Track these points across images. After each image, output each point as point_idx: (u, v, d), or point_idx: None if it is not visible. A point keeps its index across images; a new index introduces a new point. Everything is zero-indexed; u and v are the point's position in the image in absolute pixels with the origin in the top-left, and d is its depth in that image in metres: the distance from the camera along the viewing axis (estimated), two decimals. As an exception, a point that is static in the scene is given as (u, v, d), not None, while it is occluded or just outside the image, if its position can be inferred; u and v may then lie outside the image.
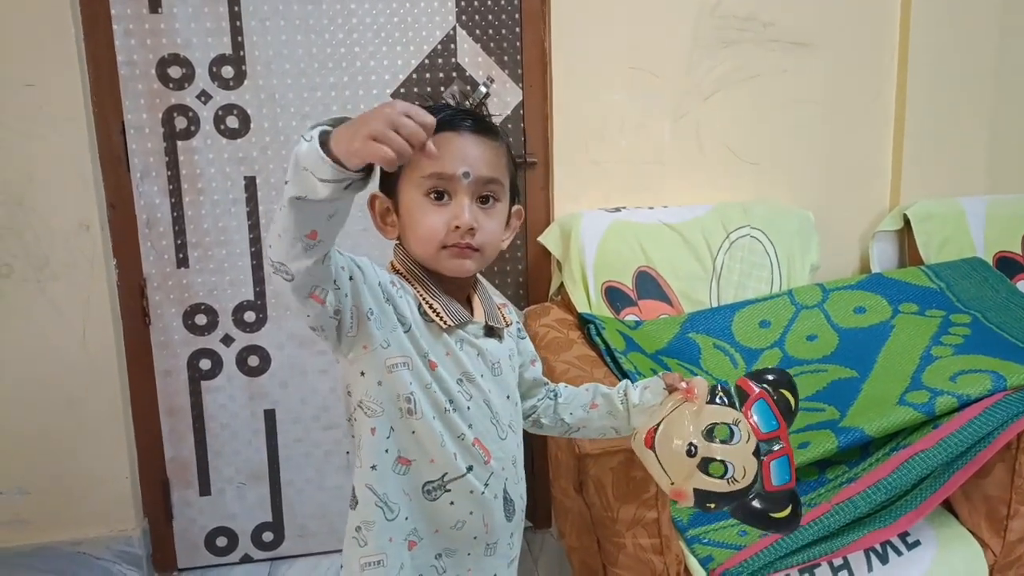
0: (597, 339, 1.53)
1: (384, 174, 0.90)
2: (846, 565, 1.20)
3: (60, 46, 1.62)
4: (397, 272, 0.92)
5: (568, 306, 1.73)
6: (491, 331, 0.94)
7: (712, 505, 0.85)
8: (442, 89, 1.82)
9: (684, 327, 1.64)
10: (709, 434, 0.85)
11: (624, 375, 1.40)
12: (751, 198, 1.88)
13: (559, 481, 1.54)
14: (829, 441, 1.29)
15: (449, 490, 0.88)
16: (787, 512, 0.85)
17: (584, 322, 1.61)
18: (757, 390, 0.88)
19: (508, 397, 0.95)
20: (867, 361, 1.47)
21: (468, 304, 0.95)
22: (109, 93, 1.69)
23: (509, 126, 1.86)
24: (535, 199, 1.88)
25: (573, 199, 1.85)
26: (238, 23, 1.72)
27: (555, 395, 1.05)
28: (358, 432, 0.88)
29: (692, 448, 0.84)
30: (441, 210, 0.87)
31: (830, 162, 1.94)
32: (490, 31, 1.82)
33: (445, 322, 0.88)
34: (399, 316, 0.86)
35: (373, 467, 0.86)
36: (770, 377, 0.90)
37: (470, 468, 0.89)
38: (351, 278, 0.82)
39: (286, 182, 0.70)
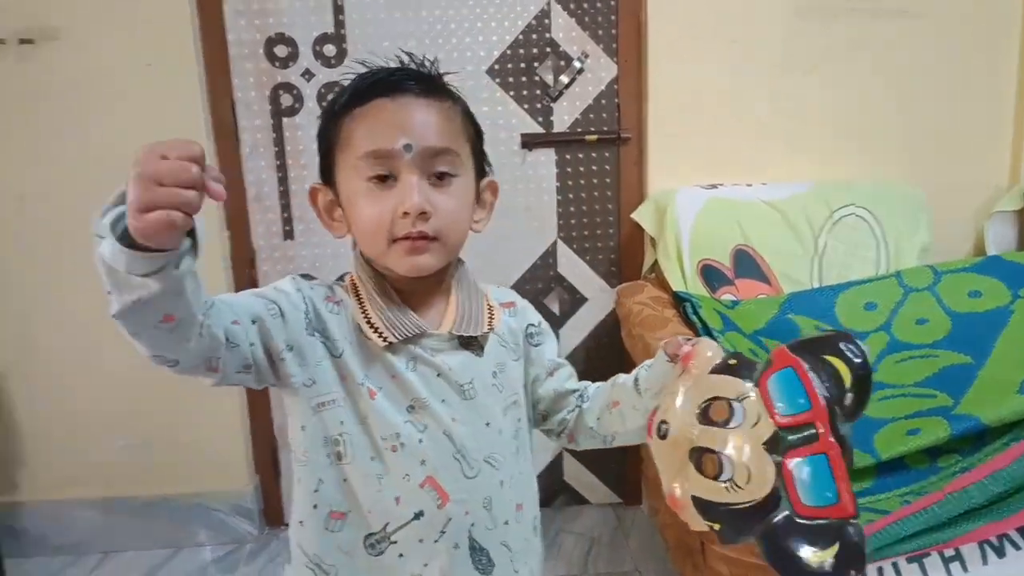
0: (694, 318, 1.52)
1: (323, 158, 0.78)
2: (958, 557, 1.16)
3: (177, 27, 1.70)
4: (352, 277, 0.79)
5: (662, 284, 1.71)
6: (467, 342, 0.77)
7: (716, 526, 0.58)
8: (535, 65, 1.82)
9: (784, 308, 1.60)
10: (704, 414, 0.60)
11: (723, 355, 1.38)
12: (855, 175, 1.80)
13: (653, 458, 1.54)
14: (941, 428, 1.25)
15: (395, 541, 0.73)
16: (829, 553, 0.54)
17: (680, 300, 1.59)
18: (788, 356, 0.60)
19: (488, 424, 0.77)
20: (983, 347, 1.41)
21: (444, 308, 0.78)
22: (220, 72, 1.77)
23: (603, 102, 1.84)
24: (628, 175, 1.87)
25: (667, 176, 1.82)
26: (339, 2, 1.76)
27: (582, 400, 0.86)
28: (294, 479, 0.76)
29: (662, 427, 0.62)
30: (386, 195, 0.72)
31: (942, 138, 1.84)
32: (585, 5, 1.80)
33: (385, 339, 0.72)
34: (328, 342, 0.73)
35: (300, 523, 0.75)
36: (818, 341, 0.61)
37: (418, 515, 0.73)
38: (253, 322, 0.69)
39: (108, 292, 0.55)
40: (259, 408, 1.92)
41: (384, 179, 0.72)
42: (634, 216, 1.81)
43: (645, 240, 1.84)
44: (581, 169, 1.87)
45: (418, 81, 0.76)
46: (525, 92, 1.83)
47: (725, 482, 0.57)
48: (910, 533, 1.13)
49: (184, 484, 1.89)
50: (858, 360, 0.59)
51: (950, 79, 1.82)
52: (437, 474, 0.74)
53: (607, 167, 1.87)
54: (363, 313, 0.74)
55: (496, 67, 1.82)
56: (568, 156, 1.86)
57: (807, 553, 0.54)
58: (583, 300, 1.94)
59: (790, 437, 0.57)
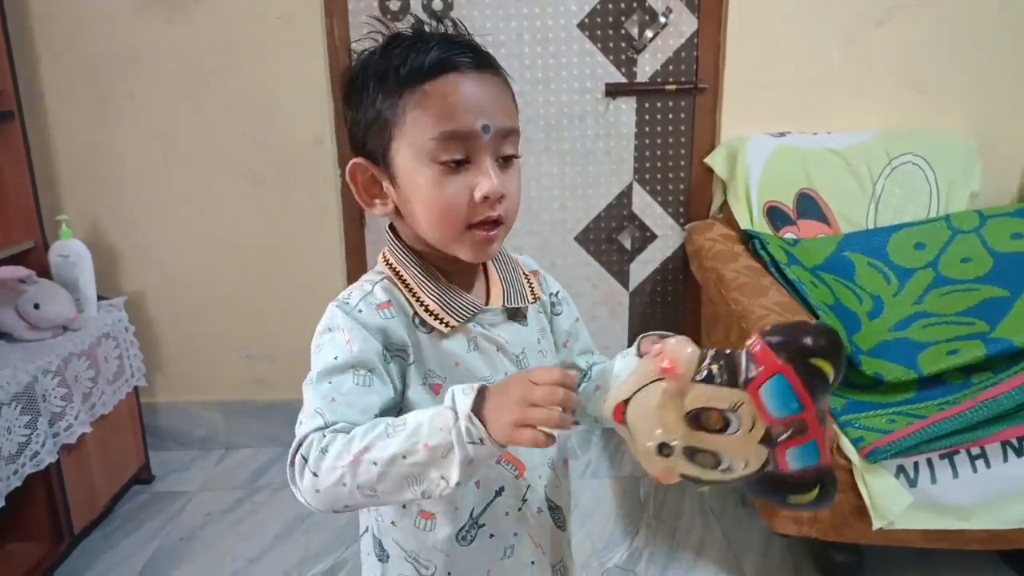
0: (762, 252, 1.72)
1: (375, 134, 0.73)
2: (983, 455, 1.38)
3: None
4: (388, 264, 0.77)
5: (730, 223, 1.91)
6: (514, 313, 0.79)
7: (705, 489, 0.68)
8: (623, 19, 1.98)
9: (840, 246, 1.79)
10: (695, 420, 0.62)
11: (790, 284, 1.59)
12: (917, 124, 1.95)
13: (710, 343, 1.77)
14: (978, 349, 1.45)
15: (483, 524, 0.76)
16: (813, 494, 0.63)
17: (748, 237, 1.80)
18: (776, 362, 0.60)
19: None
20: (1020, 282, 1.59)
21: (484, 281, 0.80)
22: (340, 24, 1.97)
23: (683, 54, 2.01)
24: (702, 123, 2.05)
25: (740, 123, 1.99)
26: (446, -41, 1.94)
27: (587, 379, 0.86)
28: None
29: (666, 449, 0.62)
30: (460, 179, 0.70)
31: (999, 89, 1.97)
32: (669, -38, 1.95)
33: (448, 325, 0.73)
34: (402, 354, 0.72)
35: (393, 523, 0.77)
36: (806, 340, 0.60)
37: (499, 491, 0.76)
38: (383, 411, 0.70)
39: (418, 488, 0.62)
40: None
41: (460, 162, 0.69)
42: (707, 160, 1.99)
43: (714, 183, 2.03)
44: (659, 117, 2.06)
45: (476, 54, 0.72)
46: (612, 44, 2.00)
47: (721, 470, 0.62)
48: (944, 434, 1.35)
49: (295, 391, 2.15)
50: (835, 352, 0.61)
51: (1013, 32, 1.92)
52: (511, 447, 0.71)
53: (683, 115, 2.06)
54: (418, 302, 0.73)
55: (586, 21, 1.99)
56: (647, 104, 2.05)
57: (794, 494, 0.63)
58: (653, 237, 2.15)
59: (782, 434, 0.61)
